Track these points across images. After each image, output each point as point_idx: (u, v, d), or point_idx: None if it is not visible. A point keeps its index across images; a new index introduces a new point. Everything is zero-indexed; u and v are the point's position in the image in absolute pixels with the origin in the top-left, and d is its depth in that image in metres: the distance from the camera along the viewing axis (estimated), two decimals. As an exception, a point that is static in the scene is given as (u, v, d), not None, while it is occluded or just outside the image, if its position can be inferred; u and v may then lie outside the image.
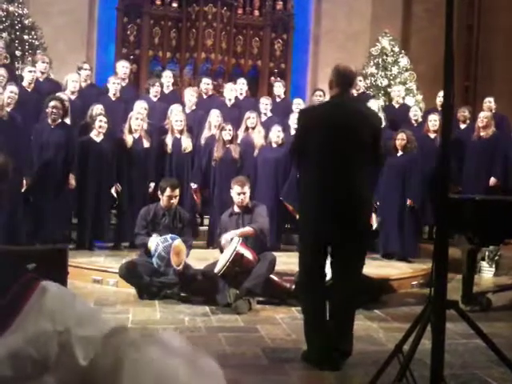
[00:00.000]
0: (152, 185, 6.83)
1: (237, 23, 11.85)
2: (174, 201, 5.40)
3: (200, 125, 7.52)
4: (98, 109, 6.94)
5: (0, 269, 1.86)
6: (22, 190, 6.21)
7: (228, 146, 6.94)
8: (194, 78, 10.92)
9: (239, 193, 5.26)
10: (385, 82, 10.56)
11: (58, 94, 6.86)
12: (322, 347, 3.52)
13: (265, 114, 7.79)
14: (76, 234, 6.79)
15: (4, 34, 9.05)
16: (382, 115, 7.55)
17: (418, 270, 6.22)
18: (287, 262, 5.60)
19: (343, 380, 3.39)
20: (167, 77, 8.37)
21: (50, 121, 6.45)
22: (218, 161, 6.93)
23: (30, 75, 7.25)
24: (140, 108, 7.12)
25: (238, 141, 7.15)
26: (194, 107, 7.77)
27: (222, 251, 5.17)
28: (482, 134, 7.52)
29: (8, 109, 6.27)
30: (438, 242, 2.59)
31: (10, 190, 5.52)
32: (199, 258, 5.73)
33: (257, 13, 12.02)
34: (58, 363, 1.68)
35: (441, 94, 8.06)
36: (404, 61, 10.88)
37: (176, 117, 7.12)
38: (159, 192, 5.43)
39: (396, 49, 10.97)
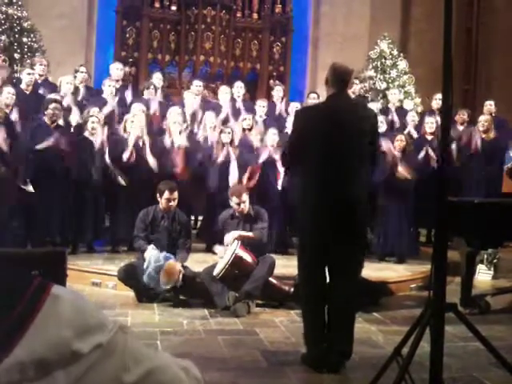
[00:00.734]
0: None
1: (236, 26, 11.89)
2: (173, 203, 5.40)
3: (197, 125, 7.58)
4: (93, 111, 6.96)
5: (10, 273, 1.85)
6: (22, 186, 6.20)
7: (226, 147, 6.94)
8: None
9: (238, 203, 5.28)
10: (383, 85, 10.58)
11: (56, 97, 6.86)
12: (321, 350, 3.53)
13: (260, 116, 7.82)
14: (73, 235, 6.75)
15: (3, 37, 9.07)
16: (381, 118, 7.60)
17: (416, 272, 6.22)
18: (286, 264, 5.60)
19: (342, 383, 3.38)
20: (157, 78, 8.38)
21: (48, 122, 6.44)
22: (217, 162, 6.93)
23: (28, 77, 7.27)
24: (137, 110, 7.12)
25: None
26: (193, 109, 7.78)
27: (216, 251, 5.21)
28: (483, 136, 7.53)
29: (7, 110, 6.28)
30: (437, 244, 2.59)
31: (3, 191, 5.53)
32: (198, 261, 5.73)
33: (256, 16, 12.05)
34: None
35: (437, 96, 8.09)
36: (403, 64, 10.91)
37: (174, 118, 7.13)
38: (158, 195, 5.44)
39: (395, 52, 11.00)
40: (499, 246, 5.50)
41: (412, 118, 8.14)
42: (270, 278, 5.08)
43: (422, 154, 7.38)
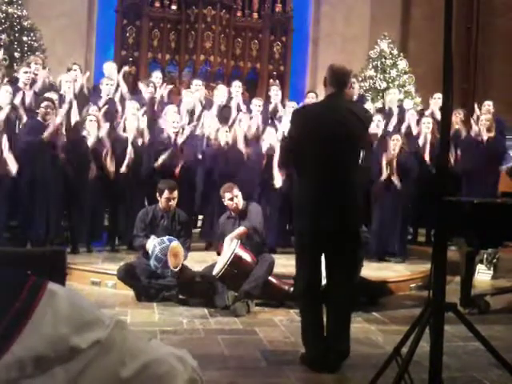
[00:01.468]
0: None
1: (236, 26, 11.89)
2: (173, 203, 5.40)
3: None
4: (92, 110, 6.96)
5: (5, 272, 1.86)
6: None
7: (225, 146, 6.96)
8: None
9: (230, 198, 5.28)
10: (383, 85, 10.58)
11: (49, 95, 6.86)
12: (319, 349, 3.53)
13: (256, 115, 7.82)
14: (71, 234, 6.75)
15: (3, 36, 9.07)
16: (380, 117, 7.60)
17: (416, 272, 6.22)
18: (286, 264, 5.59)
19: (342, 382, 3.38)
20: (157, 77, 8.38)
21: (42, 120, 6.44)
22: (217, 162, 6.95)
23: (25, 76, 7.26)
24: (133, 108, 7.12)
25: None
26: (191, 108, 7.79)
27: (218, 254, 5.18)
28: (483, 136, 7.53)
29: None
30: (436, 244, 2.59)
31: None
32: (198, 260, 5.73)
33: (256, 15, 12.06)
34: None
35: (436, 96, 8.09)
36: (403, 63, 10.91)
37: (171, 117, 7.13)
38: (157, 194, 5.43)
39: (395, 51, 11.01)
40: (499, 245, 5.50)
41: (412, 117, 8.13)
42: (270, 278, 5.08)
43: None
